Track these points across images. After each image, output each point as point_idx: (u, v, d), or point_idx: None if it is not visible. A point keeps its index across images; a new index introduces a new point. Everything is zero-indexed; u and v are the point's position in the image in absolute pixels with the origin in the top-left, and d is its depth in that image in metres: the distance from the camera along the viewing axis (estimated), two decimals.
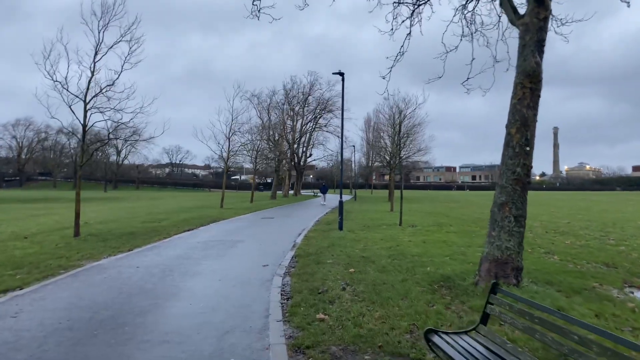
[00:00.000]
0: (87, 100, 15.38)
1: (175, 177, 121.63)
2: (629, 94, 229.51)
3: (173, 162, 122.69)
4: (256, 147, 43.79)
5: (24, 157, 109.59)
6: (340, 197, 16.47)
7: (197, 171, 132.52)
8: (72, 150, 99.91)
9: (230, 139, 32.88)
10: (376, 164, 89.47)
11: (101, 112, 15.82)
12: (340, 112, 55.62)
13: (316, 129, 62.55)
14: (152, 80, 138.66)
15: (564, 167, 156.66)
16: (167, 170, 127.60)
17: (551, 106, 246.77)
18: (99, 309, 6.31)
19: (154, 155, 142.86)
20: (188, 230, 16.89)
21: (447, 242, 12.81)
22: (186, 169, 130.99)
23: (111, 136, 15.85)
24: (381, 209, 28.74)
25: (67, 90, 15.09)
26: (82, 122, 15.30)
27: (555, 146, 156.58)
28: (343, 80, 16.10)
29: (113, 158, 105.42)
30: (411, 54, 10.25)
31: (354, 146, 60.29)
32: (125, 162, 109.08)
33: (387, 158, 39.95)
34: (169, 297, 6.96)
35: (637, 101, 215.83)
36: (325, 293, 7.03)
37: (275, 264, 9.93)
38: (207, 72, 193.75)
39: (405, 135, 16.66)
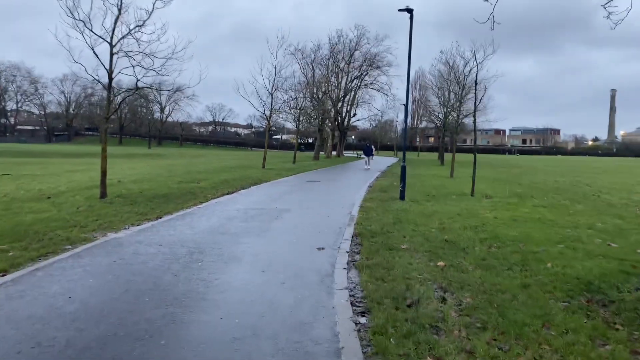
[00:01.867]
0: (113, 43, 13.35)
1: (218, 136, 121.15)
2: None
3: (216, 120, 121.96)
4: (299, 105, 41.40)
5: (72, 112, 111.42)
6: (404, 161, 13.92)
7: (240, 130, 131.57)
8: (117, 106, 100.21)
9: (273, 95, 30.57)
10: (423, 124, 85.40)
11: (129, 56, 13.80)
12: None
13: (362, 87, 59.31)
14: (199, 40, 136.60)
15: (619, 132, 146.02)
16: (210, 128, 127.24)
17: (607, 68, 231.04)
18: (86, 321, 4.27)
19: (198, 113, 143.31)
20: (227, 194, 14.95)
21: (542, 220, 10.20)
22: (229, 128, 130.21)
23: (140, 84, 13.78)
24: (438, 174, 26.06)
25: (91, 30, 13.11)
26: (107, 68, 13.33)
27: (612, 109, 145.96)
28: (412, 17, 13.24)
29: (157, 115, 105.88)
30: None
31: (405, 105, 56.27)
32: (169, 119, 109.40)
33: (442, 117, 36.61)
34: (192, 302, 4.85)
35: None
36: (419, 307, 4.73)
37: (333, 245, 7.70)
38: (253, 32, 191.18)
39: (482, 89, 14.00)
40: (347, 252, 7.27)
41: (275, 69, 29.80)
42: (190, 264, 6.37)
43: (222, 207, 12.01)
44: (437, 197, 14.39)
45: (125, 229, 9.02)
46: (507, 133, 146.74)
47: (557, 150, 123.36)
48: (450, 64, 25.38)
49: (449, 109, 32.96)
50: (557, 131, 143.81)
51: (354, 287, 5.51)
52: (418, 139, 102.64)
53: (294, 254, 7.14)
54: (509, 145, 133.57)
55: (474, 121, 14.22)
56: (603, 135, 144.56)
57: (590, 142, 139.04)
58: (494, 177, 23.55)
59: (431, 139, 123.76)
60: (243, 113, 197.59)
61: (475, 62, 14.40)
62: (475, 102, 13.90)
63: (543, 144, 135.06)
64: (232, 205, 12.46)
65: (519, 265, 6.31)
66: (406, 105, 15.10)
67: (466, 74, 22.01)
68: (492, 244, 7.69)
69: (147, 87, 14.56)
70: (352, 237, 8.47)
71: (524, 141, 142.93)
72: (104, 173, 13.46)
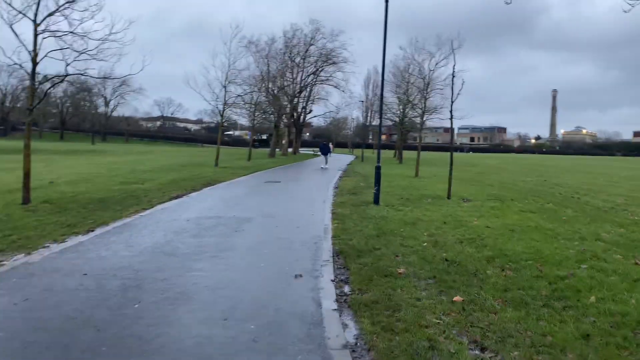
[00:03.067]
0: (38, 21, 11.19)
1: (166, 131, 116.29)
2: (619, 61, 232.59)
3: (164, 115, 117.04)
4: (254, 100, 39.35)
5: (7, 105, 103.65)
6: (378, 161, 12.44)
7: (190, 125, 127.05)
8: (58, 100, 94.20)
9: (227, 89, 28.54)
10: (376, 122, 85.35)
11: (57, 37, 11.67)
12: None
13: (317, 83, 57.96)
14: (149, 36, 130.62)
15: (560, 131, 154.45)
16: (158, 123, 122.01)
17: (545, 70, 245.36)
18: None
19: (145, 108, 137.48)
20: (176, 198, 13.06)
21: (540, 230, 9.01)
22: (178, 123, 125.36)
23: (70, 70, 11.63)
24: (401, 173, 24.96)
25: (9, 4, 10.95)
26: (30, 50, 11.15)
27: (553, 109, 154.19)
28: (387, 1, 11.80)
29: (102, 109, 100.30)
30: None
31: (362, 101, 55.38)
32: (115, 114, 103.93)
33: (400, 114, 35.72)
34: None
35: (627, 67, 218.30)
36: None
37: (313, 271, 6.10)
38: (205, 28, 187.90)
39: (458, 83, 12.76)
40: (332, 280, 5.70)
41: (229, 60, 27.83)
42: (122, 308, 4.61)
43: (170, 216, 10.18)
44: (411, 200, 13.08)
45: (44, 247, 7.12)
46: (455, 131, 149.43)
47: (505, 147, 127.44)
48: (413, 59, 24.42)
49: (409, 106, 32.11)
50: (504, 129, 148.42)
51: (356, 344, 3.95)
52: (371, 137, 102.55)
53: (264, 287, 5.49)
54: (459, 143, 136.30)
55: (451, 117, 13.04)
56: (544, 134, 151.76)
57: (533, 140, 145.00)
58: (459, 177, 22.60)
59: (383, 137, 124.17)
60: (193, 108, 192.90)
61: (451, 51, 13.21)
62: (452, 97, 12.71)
63: (490, 141, 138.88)
64: (181, 212, 10.63)
65: (555, 299, 4.96)
66: (381, 95, 13.70)
67: (431, 69, 21.04)
68: (503, 264, 6.35)
69: (80, 74, 12.39)
70: (333, 256, 6.92)
71: (472, 139, 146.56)
72: (27, 174, 11.30)
